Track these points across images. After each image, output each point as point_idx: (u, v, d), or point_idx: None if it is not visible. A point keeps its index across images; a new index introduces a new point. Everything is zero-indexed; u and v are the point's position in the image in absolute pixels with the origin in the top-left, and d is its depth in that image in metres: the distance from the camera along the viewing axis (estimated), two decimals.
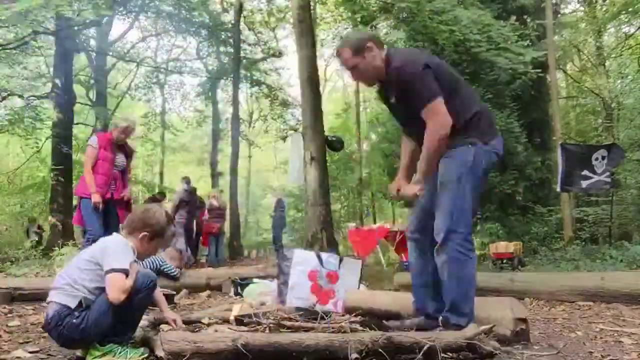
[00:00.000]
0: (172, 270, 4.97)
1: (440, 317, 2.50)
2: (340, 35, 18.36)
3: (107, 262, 2.20)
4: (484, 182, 2.64)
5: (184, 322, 2.96)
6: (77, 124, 15.66)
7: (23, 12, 7.49)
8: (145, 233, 2.37)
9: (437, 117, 2.38)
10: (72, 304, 2.18)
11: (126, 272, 2.20)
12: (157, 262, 4.82)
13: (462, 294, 2.43)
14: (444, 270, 2.45)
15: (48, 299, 2.27)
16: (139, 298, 2.23)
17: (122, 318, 2.21)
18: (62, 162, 12.13)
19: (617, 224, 10.10)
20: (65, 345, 2.30)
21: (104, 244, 2.31)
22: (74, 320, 2.15)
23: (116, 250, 2.26)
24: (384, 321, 2.76)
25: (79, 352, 2.29)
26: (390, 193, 2.83)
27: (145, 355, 2.21)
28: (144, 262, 4.60)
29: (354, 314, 3.10)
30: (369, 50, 2.53)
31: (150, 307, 2.68)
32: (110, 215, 4.94)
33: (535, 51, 7.74)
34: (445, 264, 2.45)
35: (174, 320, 2.64)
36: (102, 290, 2.20)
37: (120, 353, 2.18)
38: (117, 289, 2.15)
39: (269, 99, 18.18)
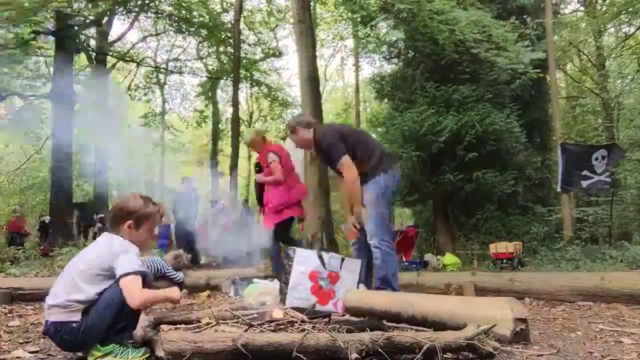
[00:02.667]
0: (176, 276, 4.93)
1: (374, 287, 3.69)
2: (340, 35, 18.39)
3: (119, 265, 2.18)
4: (392, 197, 3.98)
5: (184, 322, 2.96)
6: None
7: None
8: (130, 222, 2.34)
9: (348, 168, 3.61)
10: (77, 317, 2.17)
11: (142, 274, 2.20)
12: (162, 266, 4.80)
13: (390, 272, 3.69)
14: (379, 260, 3.69)
15: (46, 315, 2.23)
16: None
17: (122, 317, 2.19)
18: (62, 161, 12.11)
19: (617, 224, 10.09)
20: (67, 349, 2.29)
21: (109, 246, 2.27)
22: (74, 325, 2.15)
23: (125, 253, 2.24)
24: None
25: (80, 352, 2.29)
26: (346, 233, 4.32)
27: (147, 355, 2.21)
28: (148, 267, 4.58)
29: (350, 314, 3.10)
30: (299, 130, 3.94)
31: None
32: None
33: (534, 52, 7.73)
34: (380, 256, 3.69)
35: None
36: (101, 293, 2.20)
37: (122, 353, 2.18)
38: (136, 294, 2.15)
39: (269, 99, 18.18)
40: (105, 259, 2.23)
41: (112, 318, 2.16)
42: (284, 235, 5.25)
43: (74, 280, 2.22)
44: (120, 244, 2.29)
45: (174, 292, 2.37)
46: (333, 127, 4.07)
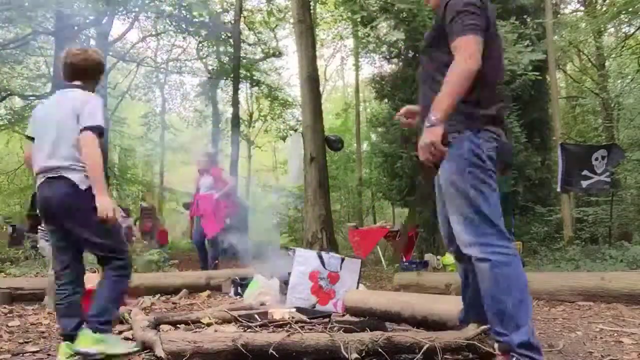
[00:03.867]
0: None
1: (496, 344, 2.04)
2: (340, 35, 18.37)
3: (83, 118, 2.24)
4: (494, 170, 2.09)
5: (184, 322, 2.96)
6: None
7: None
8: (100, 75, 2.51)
9: (466, 51, 1.97)
10: (84, 184, 2.25)
11: (100, 130, 2.26)
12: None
13: (512, 301, 1.94)
14: (486, 280, 2.00)
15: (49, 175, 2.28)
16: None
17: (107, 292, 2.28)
18: None
19: (617, 224, 10.08)
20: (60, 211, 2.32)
21: (84, 99, 2.31)
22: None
23: (95, 106, 2.30)
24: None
25: (79, 347, 2.28)
26: (400, 119, 2.51)
27: (136, 349, 2.23)
28: None
29: (350, 314, 3.10)
30: None
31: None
32: None
33: (534, 53, 7.72)
34: (488, 273, 1.99)
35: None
36: None
37: (112, 343, 2.21)
38: (91, 151, 2.21)
39: (269, 99, 18.17)
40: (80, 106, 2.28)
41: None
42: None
43: (70, 137, 2.28)
44: (95, 98, 2.35)
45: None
46: None
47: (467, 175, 2.00)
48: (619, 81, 14.16)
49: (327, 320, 3.12)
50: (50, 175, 2.24)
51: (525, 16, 10.31)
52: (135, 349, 2.24)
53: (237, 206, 6.98)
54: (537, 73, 7.92)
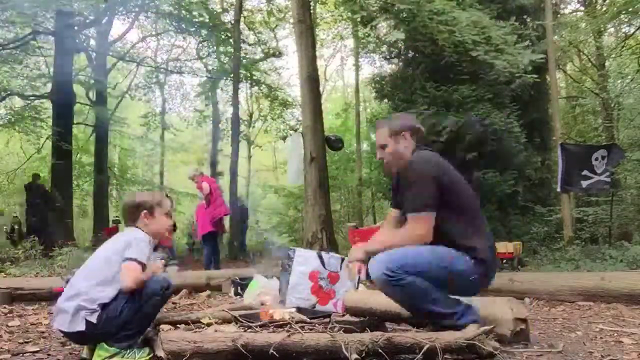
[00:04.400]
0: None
1: None
2: (340, 35, 18.38)
3: (127, 253, 2.27)
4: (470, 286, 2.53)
5: (184, 322, 2.96)
6: (77, 123, 15.68)
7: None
8: (145, 212, 2.46)
9: (421, 228, 2.36)
10: (94, 319, 2.20)
11: (142, 264, 2.25)
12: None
13: None
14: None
15: (58, 322, 2.25)
16: (150, 304, 2.25)
17: (135, 320, 2.23)
18: (62, 160, 12.10)
19: (617, 224, 10.09)
20: (77, 341, 2.35)
21: (128, 238, 2.35)
22: (91, 320, 2.19)
23: (135, 242, 2.33)
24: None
25: (83, 354, 2.30)
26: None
27: (150, 355, 2.23)
28: None
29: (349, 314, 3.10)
30: (403, 138, 2.57)
31: None
32: None
33: (534, 53, 7.72)
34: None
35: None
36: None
37: (128, 354, 2.21)
38: (130, 278, 2.20)
39: (269, 99, 18.17)
40: (121, 246, 2.31)
41: (123, 318, 2.20)
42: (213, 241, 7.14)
43: (98, 270, 2.29)
44: (135, 234, 2.38)
45: (154, 266, 2.42)
46: (434, 157, 2.53)
47: None
48: (619, 81, 14.16)
49: (327, 320, 3.12)
50: None
51: (525, 16, 10.31)
52: (150, 355, 2.24)
53: (222, 208, 7.20)
54: (535, 75, 7.93)
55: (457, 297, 2.44)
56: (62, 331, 2.26)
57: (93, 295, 2.21)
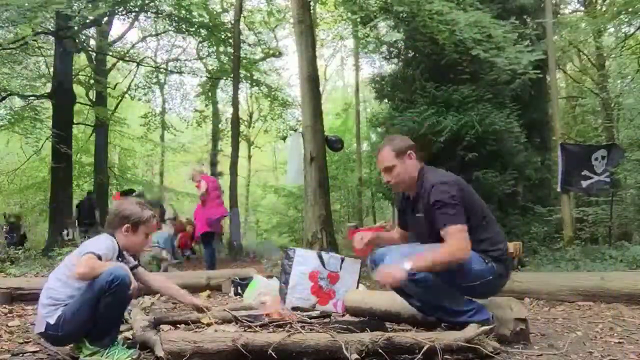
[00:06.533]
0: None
1: None
2: (340, 35, 18.37)
3: (83, 249, 2.27)
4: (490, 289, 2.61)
5: (184, 322, 2.96)
6: (77, 124, 15.68)
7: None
8: (127, 225, 2.42)
9: (459, 240, 2.38)
10: (52, 320, 2.21)
11: (99, 256, 2.23)
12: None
13: None
14: None
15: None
16: (109, 297, 2.18)
17: (98, 317, 2.20)
18: (62, 162, 12.11)
19: (617, 224, 10.09)
20: (54, 343, 2.35)
21: (86, 241, 2.40)
22: (49, 321, 2.20)
23: (96, 241, 2.34)
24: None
25: (75, 354, 2.30)
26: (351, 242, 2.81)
27: (135, 356, 2.22)
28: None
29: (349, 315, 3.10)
30: (408, 157, 2.63)
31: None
32: None
33: (534, 52, 7.70)
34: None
35: (205, 307, 2.72)
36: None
37: (108, 353, 2.20)
38: (84, 265, 2.17)
39: (269, 99, 18.17)
40: (80, 249, 2.32)
41: (87, 315, 2.18)
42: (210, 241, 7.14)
43: (58, 278, 2.30)
44: (105, 240, 2.35)
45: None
46: (449, 175, 2.66)
47: None
48: (619, 81, 14.16)
49: (327, 320, 3.12)
50: None
51: (525, 16, 10.30)
52: (133, 356, 2.23)
53: (219, 209, 7.18)
54: (538, 71, 7.90)
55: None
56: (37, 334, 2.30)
57: (53, 295, 2.22)
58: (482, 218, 2.53)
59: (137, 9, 14.41)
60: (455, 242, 2.37)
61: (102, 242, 2.33)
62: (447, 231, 2.39)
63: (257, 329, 2.76)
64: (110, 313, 2.23)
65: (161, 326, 2.80)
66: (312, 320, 3.10)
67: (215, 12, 15.61)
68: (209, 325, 2.91)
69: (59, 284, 2.26)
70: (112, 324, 2.29)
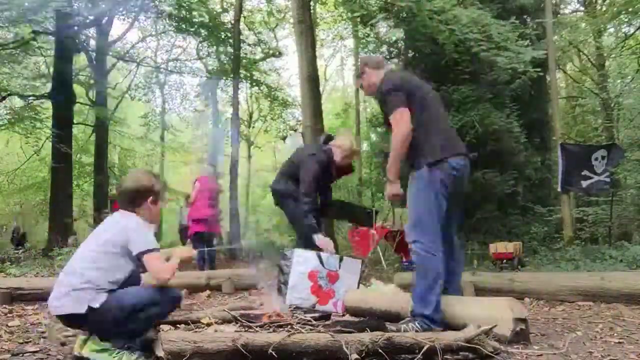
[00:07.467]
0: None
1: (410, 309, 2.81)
2: (340, 35, 18.37)
3: (137, 245, 2.17)
4: (443, 192, 2.85)
5: (184, 322, 2.96)
6: (77, 124, 15.68)
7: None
8: (151, 198, 2.32)
9: (400, 124, 2.82)
10: (82, 309, 2.13)
11: (158, 250, 2.20)
12: None
13: (425, 287, 2.74)
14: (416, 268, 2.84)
15: (54, 306, 2.19)
16: (158, 309, 2.22)
17: (134, 318, 2.17)
18: (62, 162, 12.10)
19: (617, 224, 10.09)
20: (71, 325, 2.30)
21: (122, 225, 2.22)
22: (93, 305, 2.11)
23: (138, 228, 2.21)
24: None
25: (78, 352, 2.28)
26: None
27: (141, 358, 2.21)
28: None
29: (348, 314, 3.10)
30: (365, 73, 3.22)
31: None
32: None
33: (535, 50, 7.70)
34: (417, 262, 2.84)
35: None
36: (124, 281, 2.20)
37: (116, 353, 2.17)
38: (167, 271, 2.17)
39: (269, 99, 18.17)
40: (123, 237, 2.19)
41: (126, 313, 2.14)
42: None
43: (94, 262, 2.18)
44: (137, 222, 2.25)
45: (184, 251, 2.40)
46: (399, 74, 3.31)
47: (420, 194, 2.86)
48: (618, 81, 14.16)
49: (327, 320, 3.12)
50: None
51: (525, 16, 10.31)
52: (140, 358, 2.21)
53: (203, 210, 7.11)
54: (539, 69, 7.90)
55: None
56: (60, 315, 2.19)
57: (99, 282, 2.14)
58: (432, 113, 2.95)
59: (137, 9, 14.41)
60: (397, 125, 2.84)
61: (144, 228, 2.21)
62: (391, 119, 2.88)
63: (257, 329, 2.76)
64: (148, 322, 2.24)
65: (161, 326, 2.80)
66: (312, 320, 3.10)
67: (215, 12, 15.61)
68: (209, 325, 2.91)
69: (100, 272, 2.15)
70: (140, 331, 2.27)
